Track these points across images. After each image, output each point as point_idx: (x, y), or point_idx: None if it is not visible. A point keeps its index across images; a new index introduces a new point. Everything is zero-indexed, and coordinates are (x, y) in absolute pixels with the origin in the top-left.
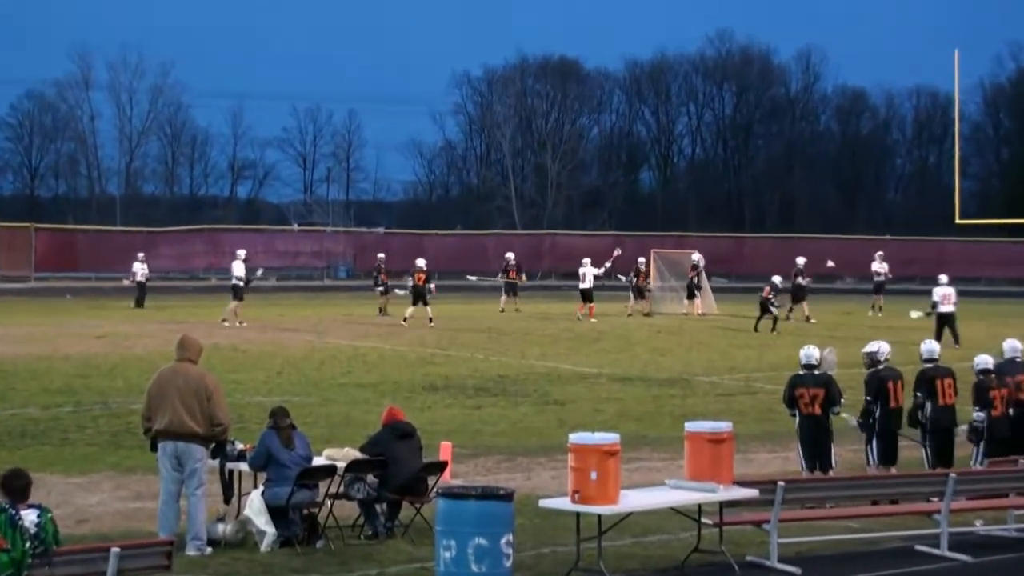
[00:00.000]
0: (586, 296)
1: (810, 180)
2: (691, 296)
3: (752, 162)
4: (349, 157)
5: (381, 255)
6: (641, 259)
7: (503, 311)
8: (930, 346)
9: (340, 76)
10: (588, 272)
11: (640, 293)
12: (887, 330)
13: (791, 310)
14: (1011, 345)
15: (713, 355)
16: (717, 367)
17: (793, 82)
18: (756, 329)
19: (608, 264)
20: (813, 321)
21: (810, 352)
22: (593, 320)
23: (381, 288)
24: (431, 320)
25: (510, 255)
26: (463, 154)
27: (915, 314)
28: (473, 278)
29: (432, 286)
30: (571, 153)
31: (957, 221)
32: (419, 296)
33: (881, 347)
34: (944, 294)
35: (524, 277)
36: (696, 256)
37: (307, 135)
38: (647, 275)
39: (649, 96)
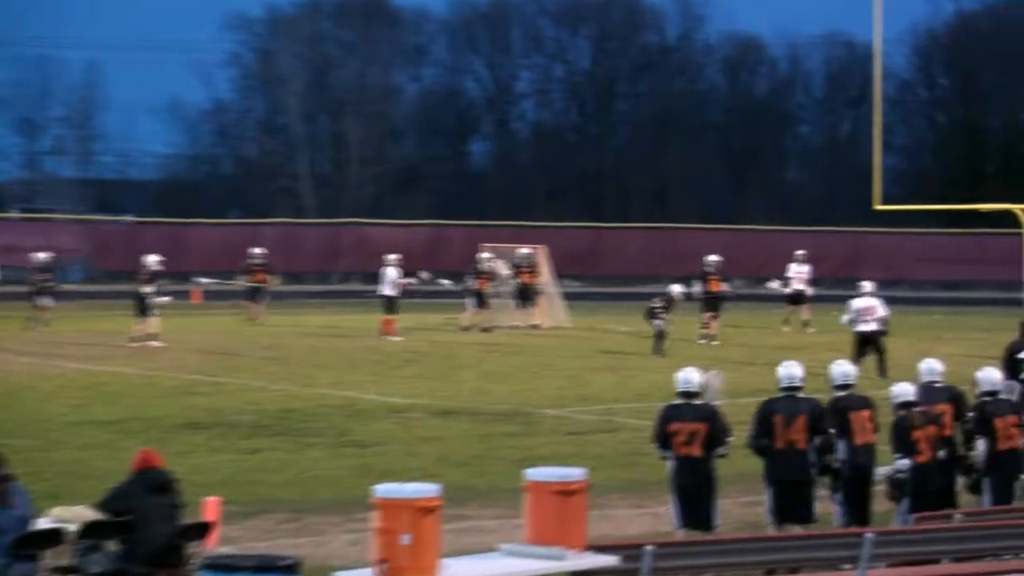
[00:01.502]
0: (388, 305)
1: (690, 155)
2: (523, 303)
3: (615, 131)
4: (88, 122)
5: (42, 255)
6: (486, 255)
7: (266, 324)
8: (843, 369)
9: (76, 16)
10: (390, 274)
11: (482, 301)
12: (792, 351)
13: (706, 326)
14: (929, 367)
15: (562, 381)
16: (567, 397)
17: (669, 28)
18: (656, 351)
19: (414, 280)
20: (715, 343)
21: (689, 376)
22: (396, 339)
23: (41, 297)
24: (152, 337)
25: (256, 250)
26: (238, 119)
27: (846, 318)
28: (205, 280)
29: (155, 288)
30: (379, 118)
31: (877, 207)
32: (144, 305)
33: (780, 371)
34: (863, 307)
35: (273, 280)
36: (526, 251)
37: (31, 93)
38: (491, 277)
39: (483, 44)
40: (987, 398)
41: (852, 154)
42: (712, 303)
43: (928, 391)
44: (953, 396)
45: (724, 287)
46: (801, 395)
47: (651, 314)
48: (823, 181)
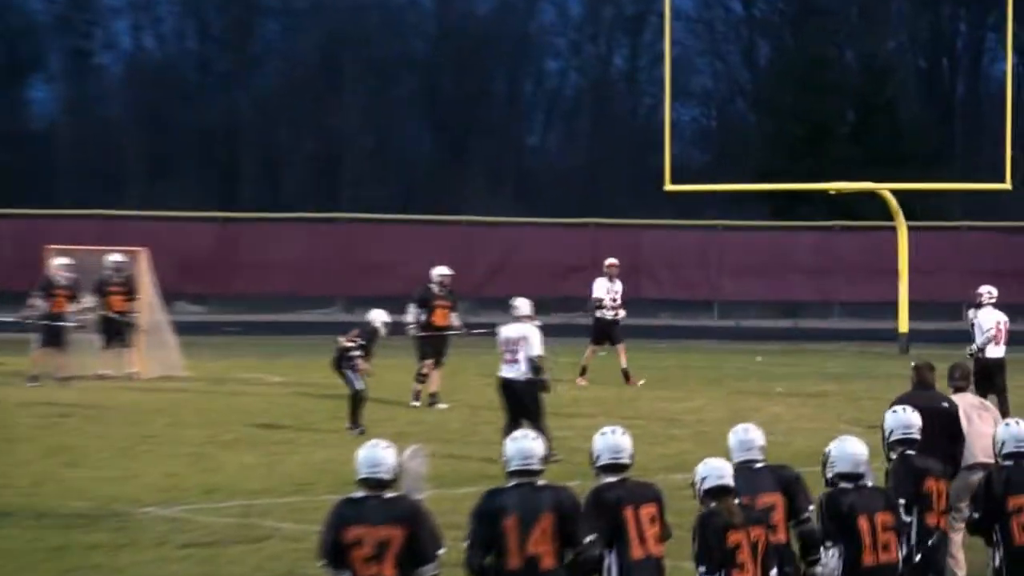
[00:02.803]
0: None
1: (377, 105)
2: (111, 341)
3: (257, 67)
4: None
5: None
6: (59, 260)
7: None
8: (612, 441)
9: None
10: None
11: (55, 335)
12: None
13: (425, 377)
14: (743, 439)
15: (176, 462)
16: (184, 487)
17: None
18: (354, 425)
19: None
20: (442, 406)
21: (376, 456)
22: None
23: None
24: None
25: None
26: None
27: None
28: None
29: None
30: None
31: (667, 188)
32: None
33: (507, 447)
34: (508, 339)
35: None
36: (118, 258)
37: None
38: (70, 296)
39: None
40: (847, 484)
41: (627, 104)
42: (436, 342)
43: (745, 475)
44: (784, 481)
45: (454, 319)
46: (542, 482)
47: (343, 360)
48: (582, 146)
